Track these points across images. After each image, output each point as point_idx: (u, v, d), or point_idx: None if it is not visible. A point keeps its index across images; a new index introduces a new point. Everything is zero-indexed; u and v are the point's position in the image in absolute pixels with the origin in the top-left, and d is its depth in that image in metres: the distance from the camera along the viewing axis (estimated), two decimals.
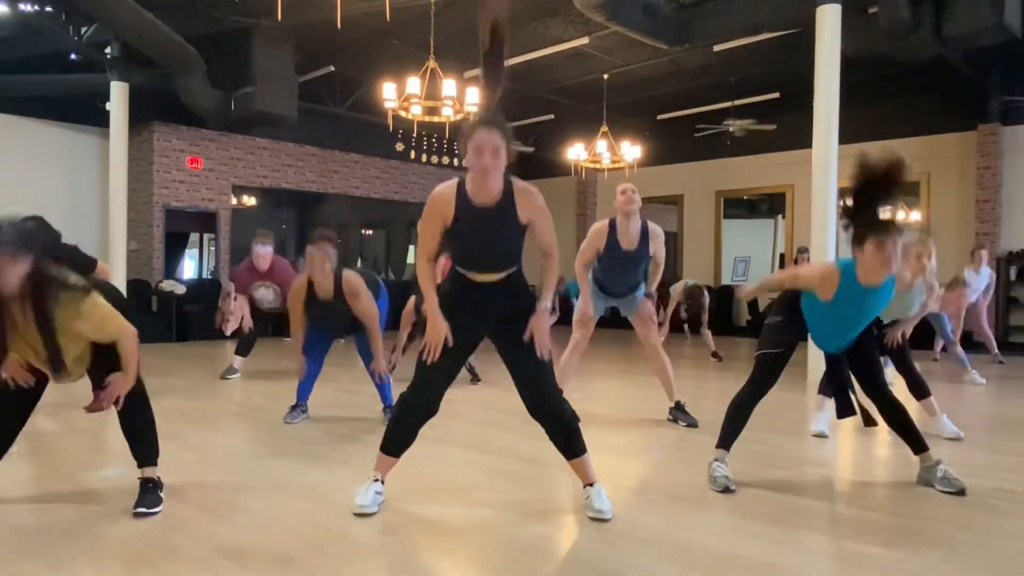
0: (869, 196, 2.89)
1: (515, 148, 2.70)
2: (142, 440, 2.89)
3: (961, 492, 3.15)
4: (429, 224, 2.70)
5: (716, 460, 3.33)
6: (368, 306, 4.38)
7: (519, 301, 2.76)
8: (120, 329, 2.68)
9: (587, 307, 4.61)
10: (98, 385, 4.97)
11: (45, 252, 2.52)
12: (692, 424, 4.63)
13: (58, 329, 2.53)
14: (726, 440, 3.36)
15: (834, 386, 3.31)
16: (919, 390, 4.28)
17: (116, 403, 2.74)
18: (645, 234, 4.46)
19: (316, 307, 4.40)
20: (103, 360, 2.74)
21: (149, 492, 2.84)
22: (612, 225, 4.45)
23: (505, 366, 2.82)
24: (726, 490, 3.19)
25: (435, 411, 2.81)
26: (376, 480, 2.85)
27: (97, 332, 2.65)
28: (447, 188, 2.68)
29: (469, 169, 2.62)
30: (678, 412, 4.73)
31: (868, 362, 3.26)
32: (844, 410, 3.26)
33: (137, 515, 2.74)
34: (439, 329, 2.69)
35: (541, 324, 2.70)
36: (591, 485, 2.84)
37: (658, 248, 4.53)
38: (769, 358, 3.27)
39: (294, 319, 4.45)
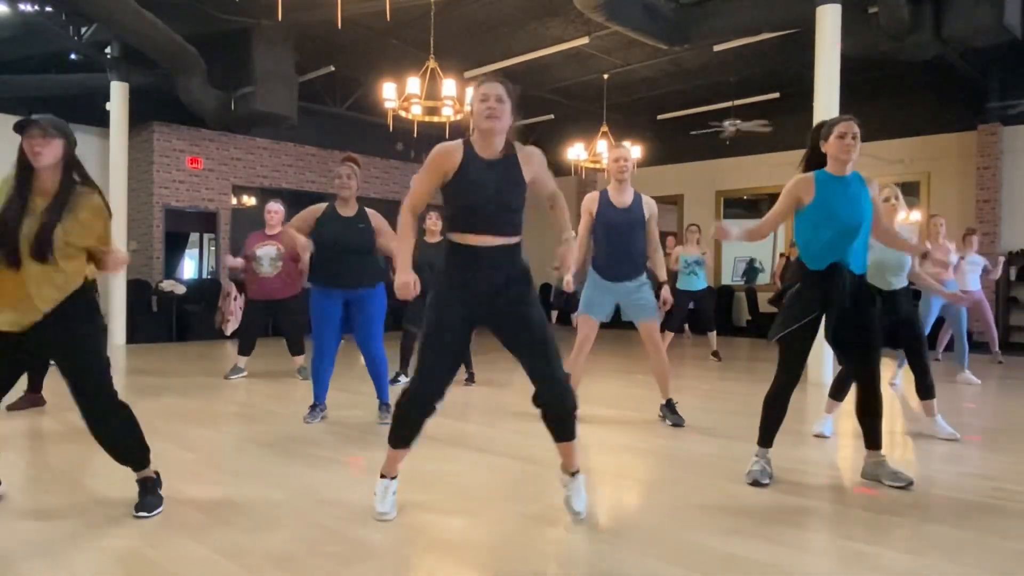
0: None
1: (518, 116, 2.71)
2: (127, 449, 2.81)
3: (909, 485, 3.24)
4: (427, 177, 2.67)
5: (756, 455, 3.39)
6: (387, 225, 4.48)
7: (519, 277, 2.69)
8: (107, 236, 2.73)
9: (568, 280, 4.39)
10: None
11: (72, 145, 2.72)
12: (677, 423, 4.63)
13: (65, 213, 2.60)
14: (763, 438, 3.38)
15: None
16: (927, 391, 4.33)
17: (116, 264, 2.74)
18: (639, 200, 4.54)
19: (335, 223, 4.44)
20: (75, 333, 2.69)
21: (149, 493, 2.83)
22: (603, 192, 4.58)
23: (509, 351, 2.72)
24: (756, 483, 3.24)
25: (440, 397, 2.69)
26: (390, 482, 2.82)
27: (90, 224, 2.65)
28: (452, 143, 2.69)
29: (475, 122, 2.63)
30: (667, 410, 4.75)
31: (867, 343, 3.27)
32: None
33: (138, 518, 2.74)
34: (405, 279, 2.67)
35: (568, 255, 2.81)
36: (572, 475, 2.80)
37: (653, 215, 4.55)
38: (791, 338, 3.25)
39: (298, 221, 4.52)
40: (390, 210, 4.63)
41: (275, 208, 6.61)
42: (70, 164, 2.68)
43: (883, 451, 3.40)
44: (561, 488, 2.84)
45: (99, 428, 2.73)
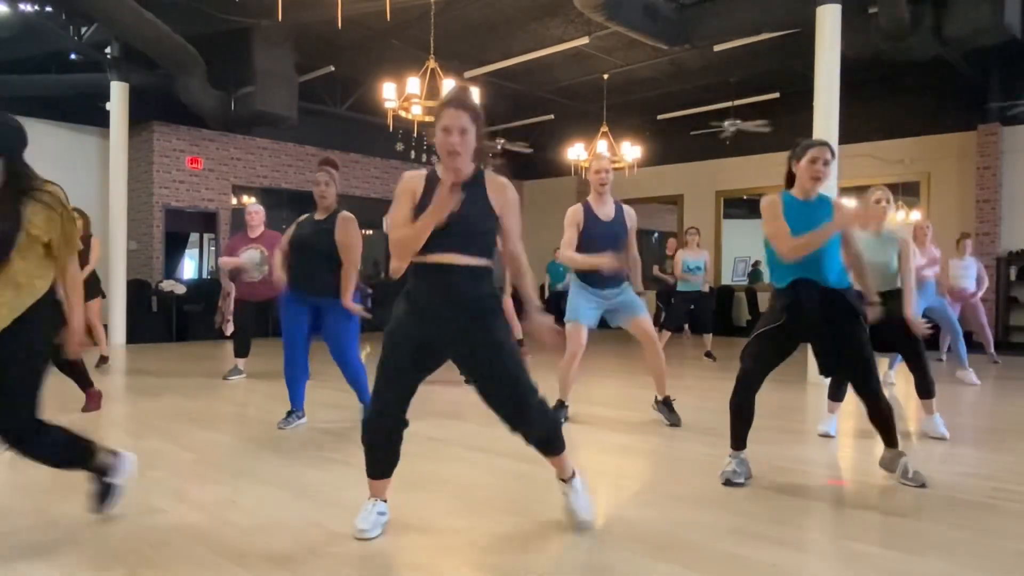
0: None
1: (486, 132, 2.59)
2: (56, 463, 2.63)
3: (922, 486, 3.23)
4: (400, 202, 2.54)
5: (729, 456, 3.38)
6: (350, 238, 4.30)
7: (485, 302, 2.52)
8: (72, 240, 2.47)
9: (589, 260, 4.44)
10: (83, 386, 4.87)
11: (20, 149, 2.44)
12: (675, 423, 4.63)
13: (21, 225, 2.37)
14: (734, 439, 3.37)
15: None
16: (926, 391, 4.32)
17: (81, 344, 2.55)
18: (620, 210, 4.60)
19: (305, 226, 4.34)
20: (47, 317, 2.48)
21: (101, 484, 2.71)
22: (586, 203, 4.63)
23: (474, 382, 2.59)
24: (728, 483, 3.23)
25: (402, 425, 2.57)
26: (377, 502, 2.66)
27: (49, 223, 2.40)
28: (417, 171, 2.62)
29: (438, 151, 2.50)
30: (664, 408, 4.74)
31: (859, 360, 3.21)
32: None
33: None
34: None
35: (539, 327, 2.55)
36: (567, 480, 2.70)
37: (634, 227, 4.59)
38: (755, 342, 3.27)
39: (282, 242, 4.46)
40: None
41: (255, 209, 6.50)
42: (16, 174, 2.40)
43: (879, 450, 3.41)
44: (561, 494, 2.74)
45: (19, 450, 2.47)
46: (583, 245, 4.51)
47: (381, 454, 2.62)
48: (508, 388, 2.54)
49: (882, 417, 3.31)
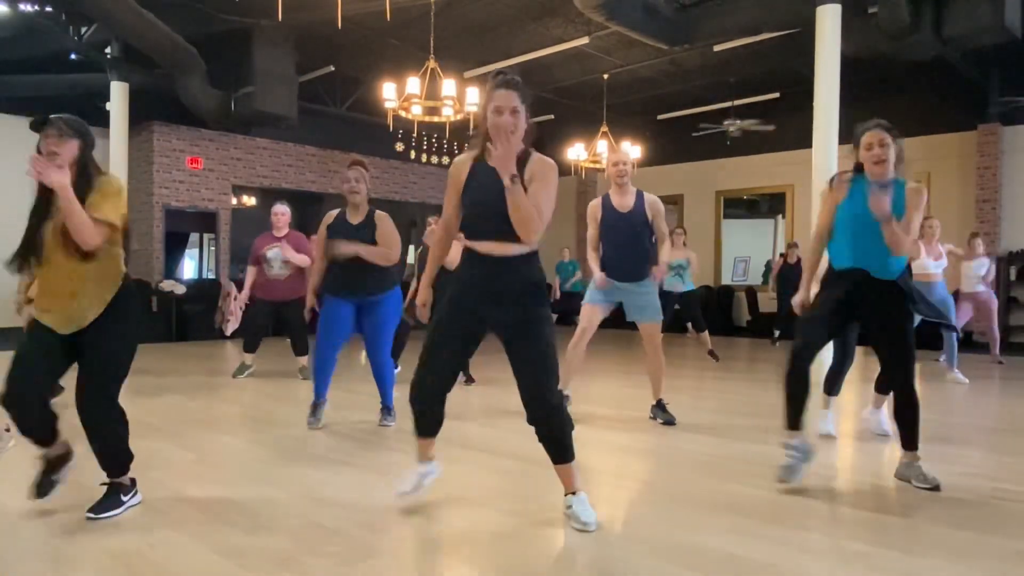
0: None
1: (531, 120, 2.72)
2: (110, 456, 2.81)
3: (936, 488, 3.19)
4: (448, 192, 2.76)
5: (785, 444, 3.28)
6: (391, 232, 4.38)
7: (529, 289, 2.65)
8: (115, 211, 2.65)
9: (600, 276, 4.60)
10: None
11: (90, 146, 2.72)
12: (669, 422, 4.65)
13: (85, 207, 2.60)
14: (790, 419, 3.27)
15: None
16: (886, 388, 4.29)
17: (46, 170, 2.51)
18: (641, 200, 4.58)
19: (341, 233, 4.35)
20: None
21: (110, 495, 2.80)
22: (605, 196, 4.68)
23: (510, 363, 2.68)
24: (783, 481, 3.19)
25: (442, 389, 2.75)
26: (423, 463, 2.91)
27: (99, 200, 2.61)
28: (465, 154, 2.77)
29: (491, 132, 2.57)
30: (658, 410, 4.77)
31: (900, 348, 3.19)
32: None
33: (87, 517, 2.71)
34: (423, 299, 2.88)
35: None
36: (573, 494, 2.73)
37: (657, 214, 4.57)
38: (803, 320, 3.23)
39: (318, 249, 4.48)
40: (389, 210, 4.59)
41: (281, 210, 6.57)
42: (85, 164, 2.67)
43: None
44: (564, 508, 2.75)
45: (90, 431, 2.73)
46: (604, 236, 4.65)
47: (429, 411, 2.80)
48: (535, 370, 2.61)
49: (910, 414, 3.26)
